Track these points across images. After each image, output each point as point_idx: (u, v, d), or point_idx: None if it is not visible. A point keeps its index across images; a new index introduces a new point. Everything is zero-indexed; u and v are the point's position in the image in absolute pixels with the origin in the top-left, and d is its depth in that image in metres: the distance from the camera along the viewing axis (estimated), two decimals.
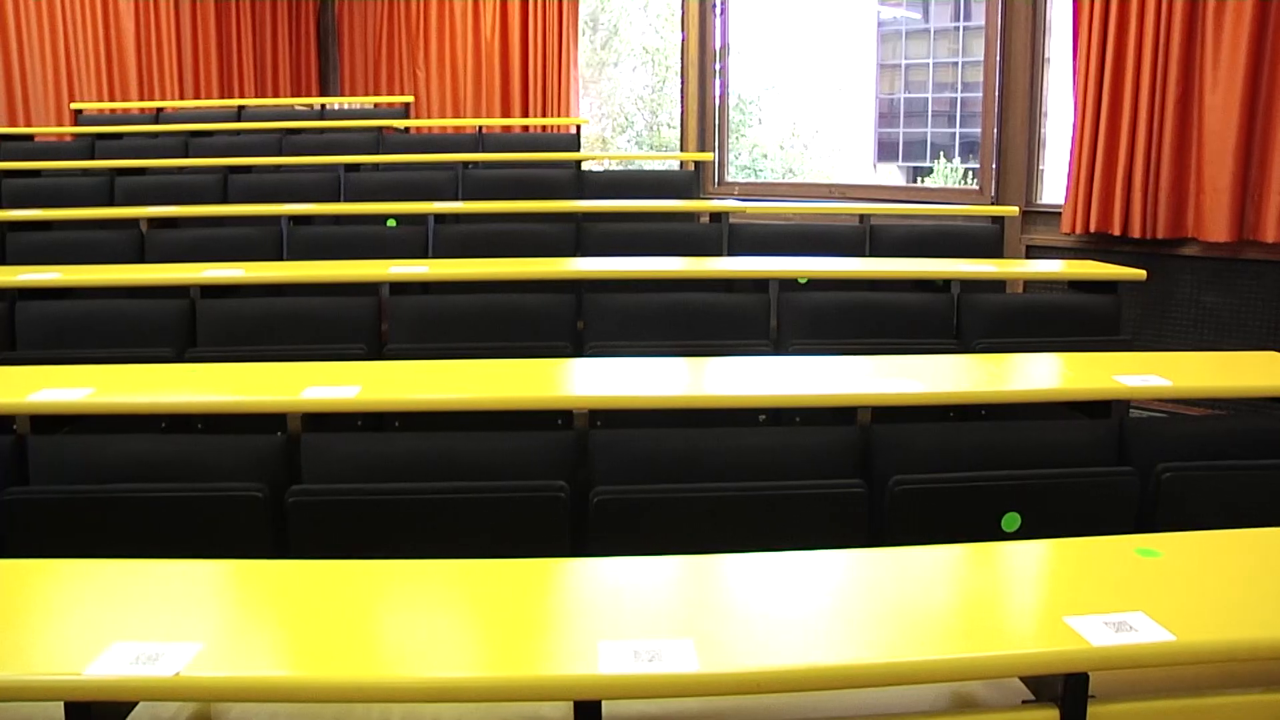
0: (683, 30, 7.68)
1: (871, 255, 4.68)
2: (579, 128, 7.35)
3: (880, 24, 10.75)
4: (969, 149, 9.97)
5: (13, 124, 8.10)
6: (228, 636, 1.53)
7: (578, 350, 3.24)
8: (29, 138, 7.19)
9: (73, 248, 4.60)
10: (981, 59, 6.33)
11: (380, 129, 6.75)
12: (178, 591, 1.71)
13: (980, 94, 6.28)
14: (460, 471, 2.34)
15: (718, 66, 7.52)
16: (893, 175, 11.51)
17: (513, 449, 2.40)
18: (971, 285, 4.03)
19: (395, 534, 2.18)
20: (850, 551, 1.80)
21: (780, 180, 10.46)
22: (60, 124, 8.07)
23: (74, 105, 8.12)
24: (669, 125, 11.23)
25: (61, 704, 1.47)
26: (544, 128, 8.12)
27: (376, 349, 3.35)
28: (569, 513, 2.14)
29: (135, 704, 1.57)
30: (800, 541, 1.81)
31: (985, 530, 2.29)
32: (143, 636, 1.49)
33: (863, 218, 4.88)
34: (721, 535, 2.21)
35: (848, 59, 10.50)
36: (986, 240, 4.79)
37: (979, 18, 8.63)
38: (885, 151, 11.46)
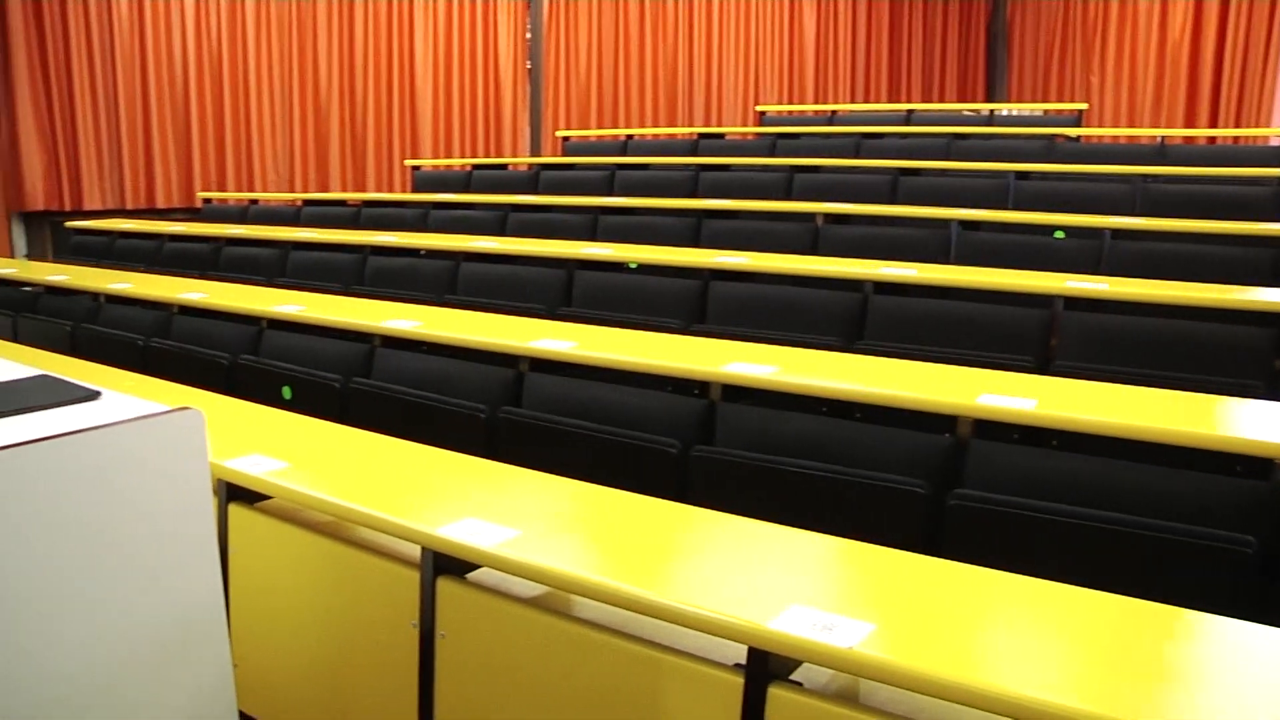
0: None
1: None
2: None
3: None
4: None
5: (708, 124, 9.16)
6: (897, 622, 1.60)
7: (1274, 392, 2.91)
8: (720, 136, 8.04)
9: (755, 235, 5.09)
10: None
11: (1051, 137, 6.58)
12: (847, 568, 1.83)
13: None
14: (1119, 503, 2.22)
15: None
16: None
17: (1180, 487, 2.23)
18: None
19: (1048, 553, 2.14)
20: None
21: None
22: (746, 124, 8.95)
23: (758, 107, 8.94)
24: None
25: (743, 647, 1.63)
26: (1236, 139, 7.37)
27: (1044, 363, 3.29)
28: (1255, 570, 1.94)
29: (801, 663, 1.70)
30: None
31: None
32: (818, 604, 1.61)
33: None
34: None
35: None
36: None
37: None
38: None
